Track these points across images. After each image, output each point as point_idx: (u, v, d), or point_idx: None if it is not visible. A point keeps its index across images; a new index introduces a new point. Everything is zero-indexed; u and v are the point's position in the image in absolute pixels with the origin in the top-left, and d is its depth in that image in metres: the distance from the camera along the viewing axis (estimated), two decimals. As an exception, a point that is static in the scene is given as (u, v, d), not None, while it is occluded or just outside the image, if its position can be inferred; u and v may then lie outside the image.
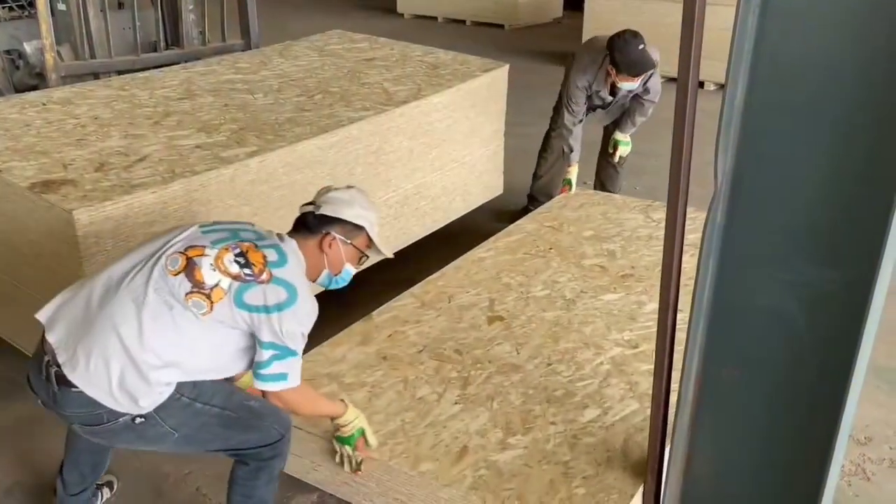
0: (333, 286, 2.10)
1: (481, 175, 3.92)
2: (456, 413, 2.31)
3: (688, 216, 3.10)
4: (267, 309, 1.80)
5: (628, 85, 3.70)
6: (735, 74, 1.39)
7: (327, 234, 2.01)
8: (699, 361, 1.64)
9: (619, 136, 4.03)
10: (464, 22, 9.53)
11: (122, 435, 1.81)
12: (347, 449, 2.14)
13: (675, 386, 1.74)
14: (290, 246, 1.94)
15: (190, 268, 1.80)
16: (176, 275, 1.79)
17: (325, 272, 2.04)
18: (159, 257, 1.83)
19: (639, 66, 3.60)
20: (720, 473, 1.74)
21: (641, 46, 3.59)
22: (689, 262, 1.63)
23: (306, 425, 2.26)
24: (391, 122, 3.26)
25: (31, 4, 4.06)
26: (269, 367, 1.83)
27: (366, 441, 2.15)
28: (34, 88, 4.02)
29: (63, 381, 1.75)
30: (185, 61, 4.48)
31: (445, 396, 2.38)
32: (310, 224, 2.02)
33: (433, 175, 3.58)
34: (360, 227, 2.06)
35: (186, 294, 1.78)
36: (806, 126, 1.39)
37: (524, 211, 4.14)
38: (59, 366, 1.76)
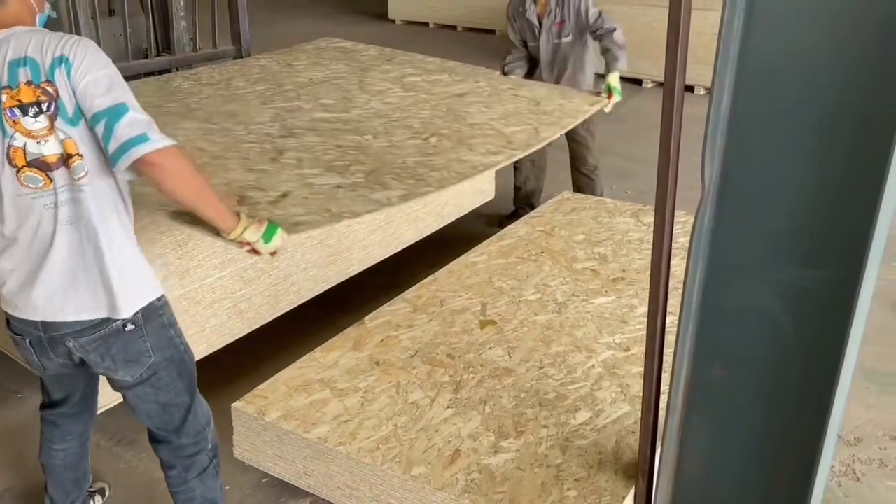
0: (49, 16, 1.90)
1: (473, 180, 3.92)
2: (448, 417, 2.31)
3: (678, 220, 3.13)
4: (74, 92, 1.65)
5: None
6: (721, 78, 1.40)
7: None
8: (688, 363, 1.65)
9: (611, 78, 3.75)
10: (455, 28, 9.55)
11: (111, 345, 1.80)
12: (278, 235, 1.98)
13: (665, 388, 1.75)
14: (15, 34, 1.69)
15: (39, 166, 1.68)
16: (49, 183, 1.68)
17: (38, 15, 1.82)
18: (17, 196, 1.71)
19: None
20: (710, 475, 1.75)
21: None
22: (679, 266, 1.65)
23: (297, 429, 2.26)
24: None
25: None
26: (112, 136, 1.63)
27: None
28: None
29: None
30: (177, 68, 4.49)
31: (437, 401, 2.39)
32: None
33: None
34: None
35: (69, 173, 1.68)
36: (792, 129, 1.40)
37: (514, 216, 4.16)
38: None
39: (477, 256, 3.28)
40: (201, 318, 2.73)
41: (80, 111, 1.66)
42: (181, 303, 2.65)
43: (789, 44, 1.36)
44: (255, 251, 1.98)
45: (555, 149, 4.24)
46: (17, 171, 1.68)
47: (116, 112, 1.64)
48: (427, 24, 9.72)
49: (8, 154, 1.67)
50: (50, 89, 1.65)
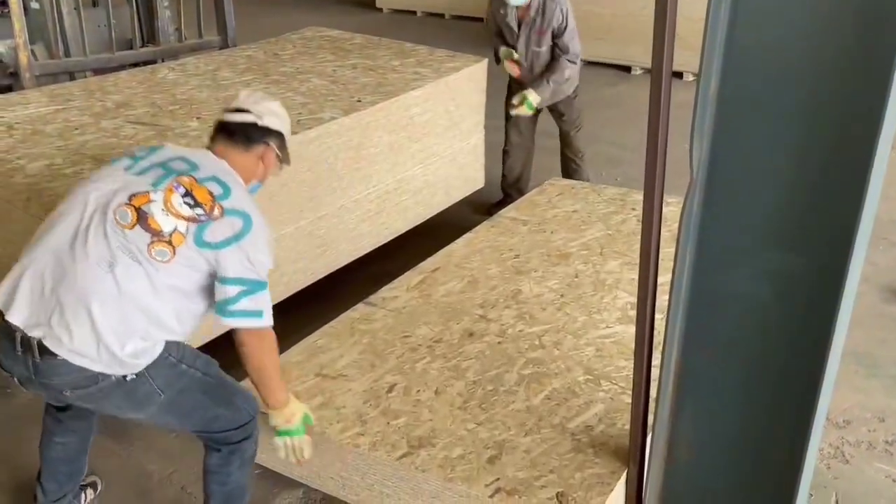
0: (253, 192, 2.10)
1: (462, 168, 3.93)
2: (441, 404, 2.32)
3: (671, 205, 3.12)
4: (227, 242, 1.82)
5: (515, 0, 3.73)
6: (708, 64, 1.40)
7: (268, 145, 2.07)
8: (678, 348, 1.66)
9: (529, 92, 3.86)
10: (443, 16, 9.50)
11: (112, 395, 1.80)
12: (295, 439, 2.09)
13: (656, 373, 1.76)
14: (222, 167, 1.96)
15: (143, 218, 1.80)
16: (132, 228, 1.79)
17: (252, 182, 2.08)
18: (105, 213, 1.80)
19: None
20: (701, 458, 1.76)
21: None
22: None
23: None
24: (370, 116, 3.26)
25: (4, 3, 4.01)
26: (237, 302, 1.84)
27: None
28: (9, 89, 3.97)
29: (47, 352, 1.74)
30: (162, 59, 4.45)
31: (430, 388, 2.39)
32: (251, 135, 2.04)
33: (415, 169, 3.59)
34: (283, 137, 2.13)
35: (148, 245, 1.78)
36: (779, 114, 1.40)
37: (502, 203, 4.16)
38: (40, 339, 1.74)
39: (465, 244, 3.27)
40: (191, 310, 2.72)
41: (211, 250, 1.82)
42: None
43: (776, 29, 1.36)
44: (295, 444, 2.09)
45: (543, 136, 4.25)
46: (123, 205, 1.81)
47: (260, 285, 1.87)
48: (415, 13, 9.67)
49: (138, 193, 1.81)
50: (216, 211, 1.83)
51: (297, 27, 4.60)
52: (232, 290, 1.82)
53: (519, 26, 3.86)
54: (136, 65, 4.29)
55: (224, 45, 4.57)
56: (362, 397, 2.36)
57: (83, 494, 2.34)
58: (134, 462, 2.54)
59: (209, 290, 1.86)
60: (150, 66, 4.09)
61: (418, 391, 2.38)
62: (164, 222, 1.80)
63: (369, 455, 2.15)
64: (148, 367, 1.80)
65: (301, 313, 3.11)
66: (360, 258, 3.39)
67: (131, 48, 4.45)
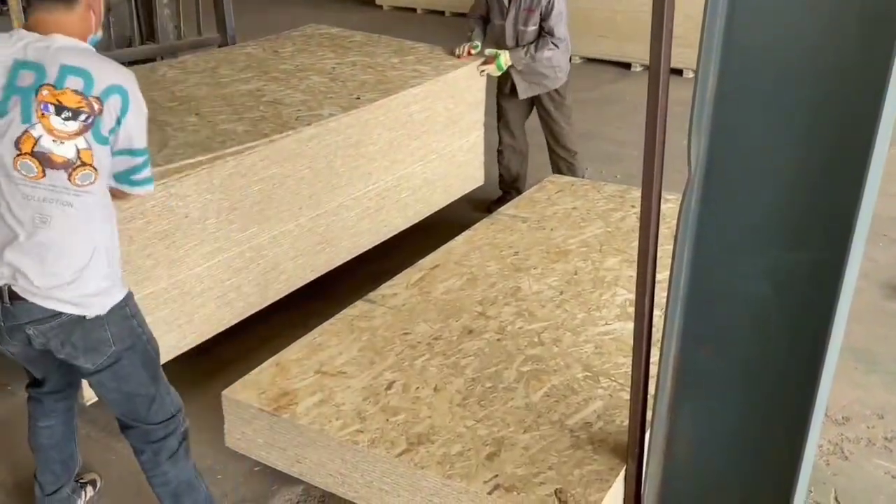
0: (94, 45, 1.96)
1: (461, 166, 3.93)
2: (440, 401, 2.32)
3: (669, 202, 3.12)
4: (120, 122, 1.80)
5: None
6: (706, 61, 1.40)
7: None
8: (677, 344, 1.66)
9: (503, 52, 3.84)
10: (443, 13, 9.49)
11: (72, 333, 1.83)
12: None
13: (654, 370, 1.76)
14: (60, 46, 1.79)
15: (44, 160, 1.75)
16: (43, 176, 1.76)
17: (90, 37, 1.91)
18: (9, 175, 1.76)
19: None
20: (699, 455, 1.76)
21: None
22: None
23: (289, 416, 2.26)
24: (369, 114, 3.26)
25: (4, 2, 4.01)
26: (142, 171, 1.89)
27: None
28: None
29: (16, 297, 1.79)
30: (161, 56, 4.45)
31: (429, 385, 2.39)
32: None
33: (414, 167, 3.58)
34: None
35: (69, 180, 1.77)
36: (777, 111, 1.40)
37: (501, 200, 4.16)
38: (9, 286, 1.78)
39: (465, 242, 3.28)
40: (190, 307, 2.73)
41: (113, 135, 1.80)
42: (170, 293, 2.64)
43: (774, 26, 1.36)
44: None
45: (539, 134, 4.24)
46: (18, 156, 1.74)
47: (141, 154, 1.89)
48: (415, 10, 9.66)
49: (17, 140, 1.74)
50: (96, 105, 1.77)
51: (297, 24, 4.60)
52: (139, 160, 1.87)
53: (509, 2, 3.86)
54: (134, 62, 4.29)
55: (223, 42, 4.56)
56: (361, 394, 2.36)
57: (83, 491, 2.35)
58: (132, 460, 2.54)
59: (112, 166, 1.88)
60: (149, 64, 4.08)
61: (417, 388, 2.38)
62: (65, 150, 1.75)
63: (368, 452, 2.15)
64: (107, 313, 1.85)
65: (300, 310, 3.12)
66: (360, 255, 3.39)
67: (130, 46, 4.45)
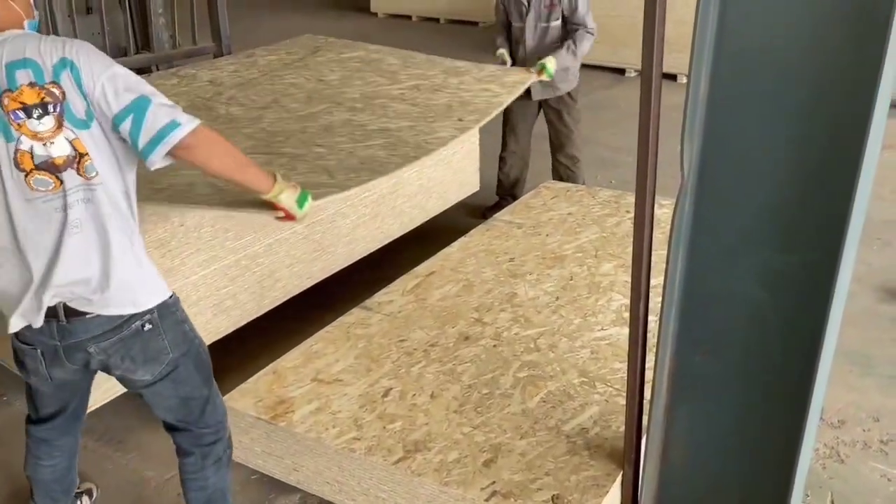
0: (33, 30, 1.81)
1: (457, 172, 3.93)
2: (436, 408, 2.32)
3: (664, 207, 3.12)
4: (85, 94, 1.64)
5: None
6: (698, 65, 1.41)
7: None
8: (672, 349, 1.67)
9: (548, 59, 3.78)
10: (438, 20, 9.53)
11: (132, 345, 1.80)
12: (310, 202, 2.05)
13: (650, 375, 1.76)
14: (8, 38, 1.66)
15: (50, 167, 1.66)
16: (59, 185, 1.67)
17: (25, 22, 1.76)
18: (29, 199, 1.68)
19: None
20: (695, 459, 1.77)
21: None
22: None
23: (285, 425, 2.26)
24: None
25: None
26: (142, 129, 1.64)
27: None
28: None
29: (74, 313, 1.74)
30: (156, 66, 4.46)
31: (425, 392, 2.39)
32: None
33: (410, 173, 3.59)
34: None
35: (78, 177, 1.68)
36: (769, 114, 1.41)
37: (496, 207, 4.16)
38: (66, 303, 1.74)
39: (460, 248, 3.28)
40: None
41: (92, 113, 1.66)
42: (165, 301, 2.63)
43: (765, 30, 1.37)
44: (289, 217, 2.02)
45: (536, 138, 4.25)
46: (26, 176, 1.67)
47: (140, 106, 1.65)
48: (410, 18, 9.69)
49: (15, 159, 1.66)
50: (56, 90, 1.63)
51: (292, 33, 4.61)
52: (126, 126, 1.65)
53: (529, 2, 3.87)
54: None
55: (219, 51, 4.58)
56: (358, 402, 2.36)
57: (79, 502, 2.34)
58: (131, 469, 2.54)
59: (126, 154, 1.73)
60: (143, 74, 4.08)
61: (414, 395, 2.38)
62: (59, 148, 1.65)
63: (365, 460, 2.15)
64: (161, 317, 1.82)
65: (297, 318, 3.11)
66: (356, 262, 3.39)
67: (125, 55, 4.46)
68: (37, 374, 1.88)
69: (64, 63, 1.63)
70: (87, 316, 1.75)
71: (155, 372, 1.86)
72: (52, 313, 1.75)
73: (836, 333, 1.50)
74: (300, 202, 2.04)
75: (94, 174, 1.68)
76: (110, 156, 1.70)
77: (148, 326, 1.81)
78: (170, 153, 1.68)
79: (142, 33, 4.59)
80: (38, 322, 1.74)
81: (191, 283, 2.70)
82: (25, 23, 1.75)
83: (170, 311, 1.86)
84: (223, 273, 2.81)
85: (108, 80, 1.64)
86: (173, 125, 1.65)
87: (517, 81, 3.70)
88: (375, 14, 9.93)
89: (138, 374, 1.86)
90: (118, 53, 4.43)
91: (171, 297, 1.87)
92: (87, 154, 1.67)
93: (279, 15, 9.52)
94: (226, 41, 4.62)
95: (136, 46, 4.55)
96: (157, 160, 1.68)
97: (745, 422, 1.67)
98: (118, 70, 1.68)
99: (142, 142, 1.65)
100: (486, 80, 3.75)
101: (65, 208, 1.68)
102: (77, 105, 1.65)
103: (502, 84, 3.67)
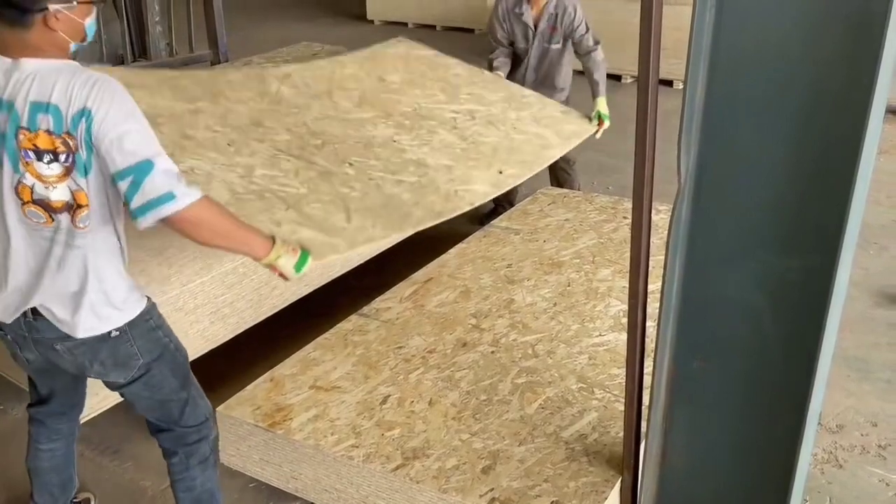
0: (88, 43, 1.79)
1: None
2: (434, 415, 2.31)
3: (661, 213, 3.13)
4: (91, 146, 1.64)
5: None
6: (694, 71, 1.42)
7: (45, 10, 1.62)
8: (670, 354, 1.67)
9: (600, 105, 3.86)
10: (434, 27, 9.55)
11: (100, 351, 1.81)
12: (310, 263, 2.00)
13: (648, 381, 1.76)
14: (26, 75, 1.64)
15: (46, 206, 1.69)
16: (51, 222, 1.70)
17: (71, 45, 1.70)
18: (28, 226, 1.73)
19: None
20: (694, 465, 1.77)
21: None
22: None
23: (284, 432, 2.26)
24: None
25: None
26: (138, 192, 1.62)
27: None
28: None
29: (42, 316, 1.78)
30: (153, 73, 4.45)
31: (423, 399, 2.39)
32: (14, 18, 1.62)
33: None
34: None
35: (72, 222, 1.71)
36: (765, 120, 1.42)
37: (493, 213, 4.16)
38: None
39: (458, 255, 3.28)
40: (184, 323, 2.71)
41: (93, 161, 1.66)
42: (163, 309, 2.61)
43: (760, 35, 1.38)
44: (283, 275, 2.00)
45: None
46: (23, 205, 1.71)
47: (142, 170, 1.63)
48: (406, 24, 9.71)
49: (16, 189, 1.71)
50: (70, 142, 1.64)
51: (289, 41, 4.62)
52: (124, 184, 1.63)
53: (535, 25, 3.89)
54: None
55: (216, 59, 4.58)
56: (356, 409, 2.36)
57: (77, 510, 2.33)
58: (128, 478, 2.53)
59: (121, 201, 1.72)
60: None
61: (412, 402, 2.38)
62: (59, 194, 1.68)
63: (364, 467, 2.15)
64: (130, 326, 1.82)
65: (294, 325, 3.11)
66: (353, 269, 3.38)
67: (123, 63, 4.46)
68: (16, 358, 1.92)
69: (83, 114, 1.62)
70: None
71: (126, 376, 1.88)
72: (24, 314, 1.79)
73: (834, 338, 1.50)
74: (299, 265, 1.97)
75: (86, 224, 1.72)
76: (105, 203, 1.73)
77: (115, 333, 1.81)
78: (161, 222, 1.68)
79: (139, 41, 4.60)
80: (8, 320, 1.80)
81: (188, 290, 2.69)
82: (71, 45, 1.70)
83: (141, 319, 1.85)
84: (221, 281, 2.80)
85: (117, 138, 1.63)
86: (168, 197, 1.64)
87: (574, 133, 3.57)
88: (372, 21, 9.96)
89: (111, 376, 1.88)
90: (116, 62, 4.44)
91: (143, 308, 1.86)
92: (85, 206, 1.70)
93: (276, 23, 9.54)
94: (223, 49, 4.63)
95: (134, 54, 4.56)
96: (145, 224, 1.67)
97: (743, 426, 1.67)
98: (132, 126, 1.65)
99: (134, 204, 1.65)
100: (544, 122, 3.57)
101: (52, 241, 1.74)
102: (83, 153, 1.66)
103: (559, 133, 3.51)
